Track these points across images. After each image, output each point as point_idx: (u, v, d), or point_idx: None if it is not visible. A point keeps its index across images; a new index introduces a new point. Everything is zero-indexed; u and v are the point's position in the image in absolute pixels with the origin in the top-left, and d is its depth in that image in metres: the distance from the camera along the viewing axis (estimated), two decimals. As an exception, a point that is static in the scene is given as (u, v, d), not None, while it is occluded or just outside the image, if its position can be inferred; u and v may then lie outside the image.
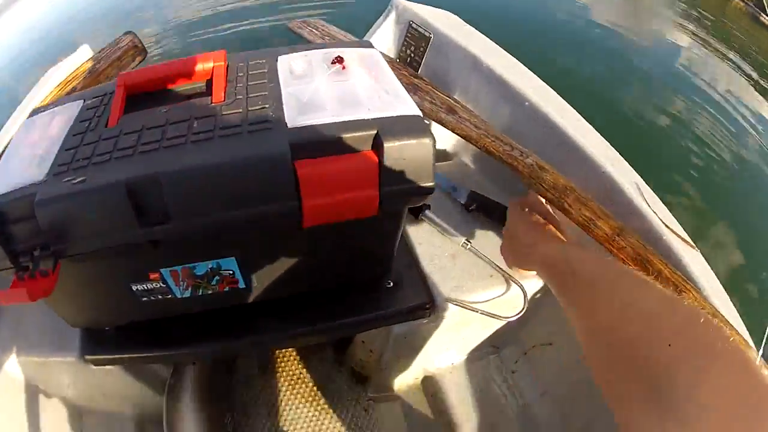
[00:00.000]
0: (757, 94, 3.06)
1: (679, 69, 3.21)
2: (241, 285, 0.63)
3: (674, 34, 3.75)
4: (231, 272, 0.60)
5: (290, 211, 0.51)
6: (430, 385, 1.04)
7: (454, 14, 1.22)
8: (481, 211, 0.90)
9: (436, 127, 0.93)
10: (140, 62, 1.17)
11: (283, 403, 1.05)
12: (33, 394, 0.81)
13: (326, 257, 0.65)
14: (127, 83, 0.58)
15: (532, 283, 0.83)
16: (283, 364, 1.10)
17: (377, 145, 0.51)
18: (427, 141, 0.51)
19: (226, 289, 0.63)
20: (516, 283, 0.80)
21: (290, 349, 1.12)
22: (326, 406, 1.05)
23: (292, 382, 1.08)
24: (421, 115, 0.54)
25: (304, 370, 1.09)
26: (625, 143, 0.89)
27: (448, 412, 0.99)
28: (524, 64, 1.03)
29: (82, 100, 0.61)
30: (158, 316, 0.68)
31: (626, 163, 0.82)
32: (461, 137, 0.83)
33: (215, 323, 0.70)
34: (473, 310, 0.76)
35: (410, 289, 0.76)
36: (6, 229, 0.48)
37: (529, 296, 0.80)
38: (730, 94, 2.96)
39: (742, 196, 2.29)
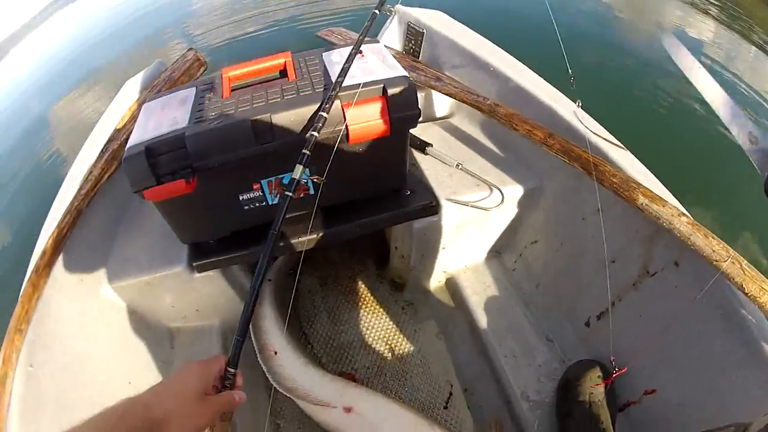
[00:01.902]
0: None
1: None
2: (311, 192, 0.99)
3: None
4: (305, 181, 0.97)
5: (342, 133, 0.87)
6: (451, 285, 1.38)
7: (444, 12, 1.58)
8: None
9: (435, 95, 1.31)
10: (204, 71, 1.58)
11: (338, 309, 1.41)
12: (134, 318, 1.15)
13: (365, 168, 1.00)
14: (230, 74, 0.96)
15: (509, 188, 1.16)
16: (337, 280, 1.46)
17: (384, 92, 0.88)
18: (409, 86, 0.88)
19: (302, 195, 0.99)
20: (495, 188, 1.13)
21: (341, 267, 1.48)
22: (373, 310, 1.41)
23: (345, 294, 1.44)
24: (407, 75, 0.90)
25: (353, 283, 1.45)
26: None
27: (466, 303, 1.31)
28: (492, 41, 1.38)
29: (194, 87, 0.99)
30: (254, 223, 1.03)
31: (565, 97, 1.14)
32: (446, 95, 1.20)
33: (292, 228, 1.06)
34: (465, 204, 1.11)
35: (421, 194, 1.11)
36: (154, 160, 0.83)
37: (505, 196, 1.13)
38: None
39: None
